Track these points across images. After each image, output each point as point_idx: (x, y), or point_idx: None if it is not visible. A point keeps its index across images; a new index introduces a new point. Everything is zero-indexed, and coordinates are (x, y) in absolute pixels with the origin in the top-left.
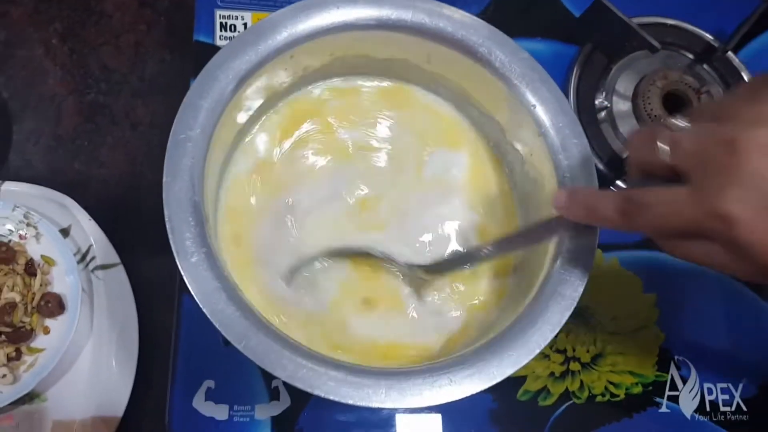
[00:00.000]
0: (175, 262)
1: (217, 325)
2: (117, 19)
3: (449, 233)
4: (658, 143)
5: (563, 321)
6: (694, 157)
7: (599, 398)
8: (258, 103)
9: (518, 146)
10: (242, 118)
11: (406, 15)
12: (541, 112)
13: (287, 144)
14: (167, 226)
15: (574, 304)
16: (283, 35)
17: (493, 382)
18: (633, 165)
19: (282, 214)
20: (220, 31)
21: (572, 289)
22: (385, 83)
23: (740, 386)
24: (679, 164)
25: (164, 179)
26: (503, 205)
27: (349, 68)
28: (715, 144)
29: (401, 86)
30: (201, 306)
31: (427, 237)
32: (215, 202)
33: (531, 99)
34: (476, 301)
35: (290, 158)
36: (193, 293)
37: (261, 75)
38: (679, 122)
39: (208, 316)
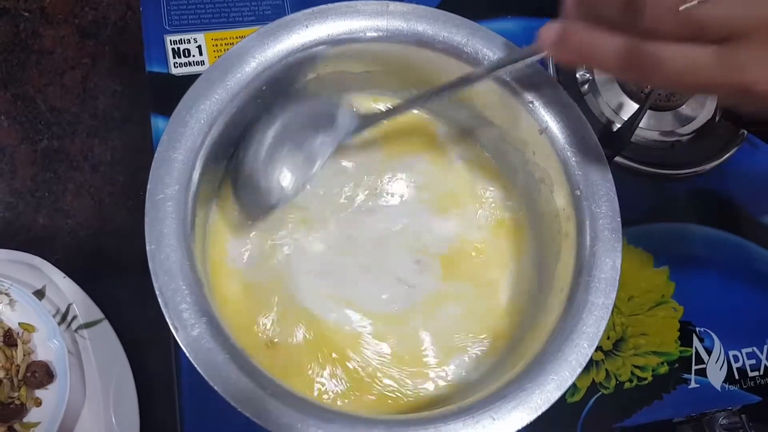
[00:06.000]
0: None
1: (232, 402)
2: (58, 55)
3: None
4: None
5: (600, 333)
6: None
7: (627, 384)
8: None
9: (518, 146)
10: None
11: (380, 23)
12: (540, 108)
13: None
14: (159, 300)
15: (609, 313)
16: (252, 65)
17: (539, 412)
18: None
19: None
20: (174, 57)
21: (604, 296)
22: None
23: (765, 348)
24: (725, 21)
25: (148, 247)
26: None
27: (325, 86)
28: None
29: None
30: (211, 384)
31: None
32: (204, 259)
33: (527, 96)
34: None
35: None
36: (200, 370)
37: (235, 112)
38: None
39: (221, 393)
